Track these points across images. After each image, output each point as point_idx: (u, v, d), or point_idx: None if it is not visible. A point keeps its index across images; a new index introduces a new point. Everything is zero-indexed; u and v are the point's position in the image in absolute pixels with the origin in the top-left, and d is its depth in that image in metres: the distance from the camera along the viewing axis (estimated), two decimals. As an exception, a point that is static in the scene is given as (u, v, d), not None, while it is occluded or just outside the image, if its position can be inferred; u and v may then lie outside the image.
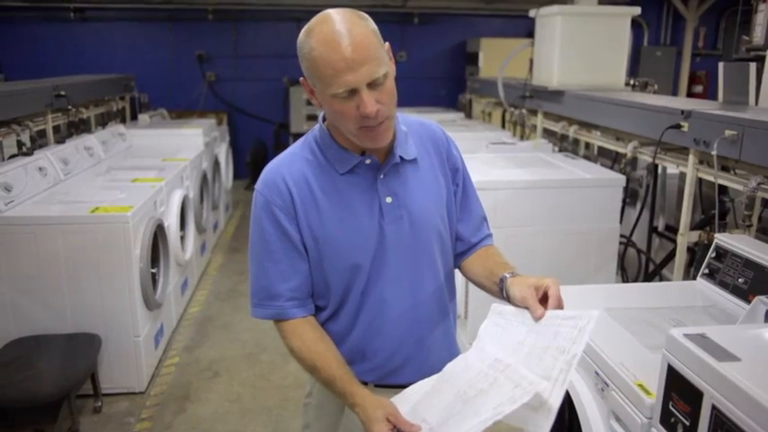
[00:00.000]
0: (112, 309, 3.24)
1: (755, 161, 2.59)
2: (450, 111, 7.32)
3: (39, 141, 4.07)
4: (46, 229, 3.12)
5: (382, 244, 1.43)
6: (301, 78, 1.36)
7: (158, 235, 3.67)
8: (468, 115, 7.07)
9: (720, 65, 3.59)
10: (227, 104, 8.53)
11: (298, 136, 7.59)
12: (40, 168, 3.61)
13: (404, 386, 1.41)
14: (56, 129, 4.44)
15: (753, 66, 3.34)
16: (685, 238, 3.13)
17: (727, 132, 2.67)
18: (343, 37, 1.24)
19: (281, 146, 8.35)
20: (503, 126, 5.94)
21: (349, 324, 1.48)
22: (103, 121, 5.51)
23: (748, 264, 2.13)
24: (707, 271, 2.29)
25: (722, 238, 2.30)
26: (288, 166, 1.44)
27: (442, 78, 8.75)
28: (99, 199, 3.43)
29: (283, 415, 3.20)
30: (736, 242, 2.25)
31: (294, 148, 1.49)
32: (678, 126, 3.03)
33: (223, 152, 6.43)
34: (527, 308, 1.30)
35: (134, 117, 6.37)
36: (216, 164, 5.91)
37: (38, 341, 3.09)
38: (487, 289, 1.50)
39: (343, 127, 1.34)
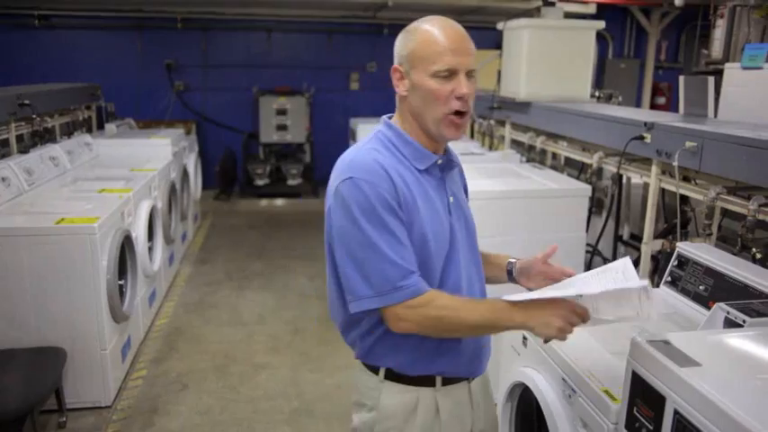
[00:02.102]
0: (78, 321, 3.19)
1: (714, 172, 2.68)
2: (420, 121, 7.37)
3: (1, 151, 3.98)
4: (9, 240, 3.06)
5: (452, 238, 1.53)
6: (394, 65, 1.50)
7: (126, 246, 3.62)
8: (438, 126, 7.13)
9: (681, 78, 3.70)
10: (197, 114, 8.47)
11: (267, 146, 7.50)
12: (3, 179, 3.53)
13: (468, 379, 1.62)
14: (19, 138, 4.35)
15: (711, 79, 3.44)
16: (649, 246, 3.21)
17: (688, 144, 2.75)
18: (456, 29, 1.46)
19: (250, 156, 8.32)
20: (471, 137, 6.00)
21: None
22: (69, 131, 5.41)
23: (708, 271, 2.19)
24: (669, 279, 2.35)
25: (684, 247, 2.36)
26: (379, 158, 1.46)
27: (412, 89, 8.81)
28: (65, 210, 3.37)
29: (254, 427, 3.17)
30: (697, 251, 2.31)
31: (370, 144, 1.51)
32: (641, 137, 3.11)
33: (192, 162, 6.36)
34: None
35: (101, 126, 6.26)
36: (185, 174, 5.85)
37: (0, 356, 3.02)
38: (486, 274, 1.70)
39: (431, 112, 1.46)
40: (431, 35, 1.43)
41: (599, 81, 8.88)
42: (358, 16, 8.26)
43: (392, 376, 1.55)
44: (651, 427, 1.41)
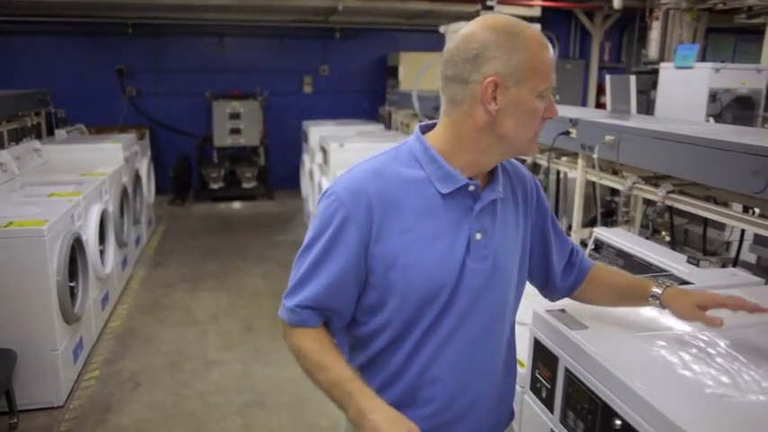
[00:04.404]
0: (29, 323, 3.23)
1: (630, 163, 2.90)
2: (370, 123, 7.54)
3: (-53, 158, 3.98)
4: (-44, 244, 3.09)
5: (459, 283, 1.27)
6: (491, 78, 1.19)
7: (76, 249, 3.67)
8: (388, 126, 7.30)
9: (607, 78, 3.94)
10: (149, 119, 8.46)
11: (222, 149, 7.52)
12: (-50, 184, 3.55)
13: None
14: (-35, 145, 4.35)
15: (632, 78, 3.69)
16: (578, 234, 3.42)
17: (607, 138, 2.97)
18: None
19: (204, 160, 8.35)
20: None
21: (403, 363, 1.31)
22: (17, 137, 5.39)
23: (620, 253, 2.40)
24: (587, 261, 2.54)
25: (600, 233, 2.57)
26: (377, 177, 1.27)
27: (363, 91, 8.98)
28: (13, 214, 3.40)
29: (206, 419, 3.26)
30: (612, 235, 2.52)
31: (384, 158, 1.31)
32: (567, 133, 3.32)
33: (144, 166, 6.39)
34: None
35: (51, 133, 6.25)
36: (137, 178, 5.88)
37: (-51, 358, 3.05)
38: (619, 304, 1.59)
39: (525, 133, 1.25)
40: (540, 45, 1.21)
41: (546, 81, 9.16)
42: (310, 20, 8.39)
43: None
44: (549, 387, 1.58)
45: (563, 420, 1.53)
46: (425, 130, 1.33)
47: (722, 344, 1.46)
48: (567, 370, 1.49)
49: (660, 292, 1.46)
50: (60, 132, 6.08)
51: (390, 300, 1.26)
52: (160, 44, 8.35)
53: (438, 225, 1.25)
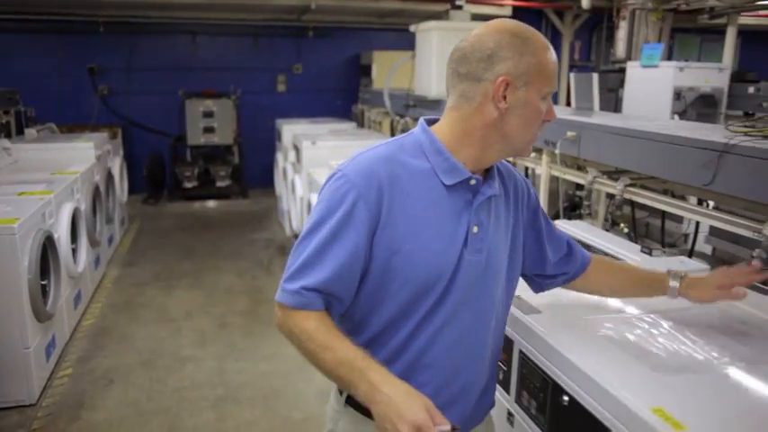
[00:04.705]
0: (-1, 321, 3.24)
1: (591, 158, 3.00)
2: (343, 121, 7.61)
3: None
4: (-75, 243, 3.08)
5: (456, 274, 1.31)
6: (503, 78, 1.25)
7: (48, 247, 3.67)
8: (361, 125, 7.37)
9: (572, 76, 4.05)
10: (122, 118, 8.41)
11: (195, 148, 7.51)
12: None
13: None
14: (-67, 144, 4.32)
15: (595, 76, 3.80)
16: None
17: (569, 133, 3.07)
18: None
19: (178, 159, 8.33)
20: (392, 134, 6.26)
21: (396, 352, 1.33)
22: (-14, 136, 5.35)
23: (579, 243, 2.49)
24: (549, 253, 2.64)
25: (561, 225, 2.66)
26: (387, 162, 1.29)
27: (337, 90, 9.03)
28: (-17, 212, 3.40)
29: (180, 414, 3.30)
30: (572, 227, 2.62)
31: (390, 147, 1.34)
32: (532, 129, 3.42)
33: (116, 165, 6.36)
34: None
35: (21, 132, 6.20)
36: (109, 177, 5.86)
37: None
38: (632, 295, 1.68)
39: (527, 133, 1.31)
40: (546, 53, 1.28)
41: (517, 80, 9.29)
42: (283, 19, 8.41)
43: (354, 402, 1.35)
44: (506, 369, 1.66)
45: (518, 400, 1.61)
46: (429, 123, 1.37)
47: (665, 325, 1.56)
48: (521, 352, 1.58)
49: (678, 285, 1.56)
50: (30, 131, 6.04)
51: (389, 286, 1.28)
52: (132, 43, 8.30)
53: (441, 216, 1.29)
